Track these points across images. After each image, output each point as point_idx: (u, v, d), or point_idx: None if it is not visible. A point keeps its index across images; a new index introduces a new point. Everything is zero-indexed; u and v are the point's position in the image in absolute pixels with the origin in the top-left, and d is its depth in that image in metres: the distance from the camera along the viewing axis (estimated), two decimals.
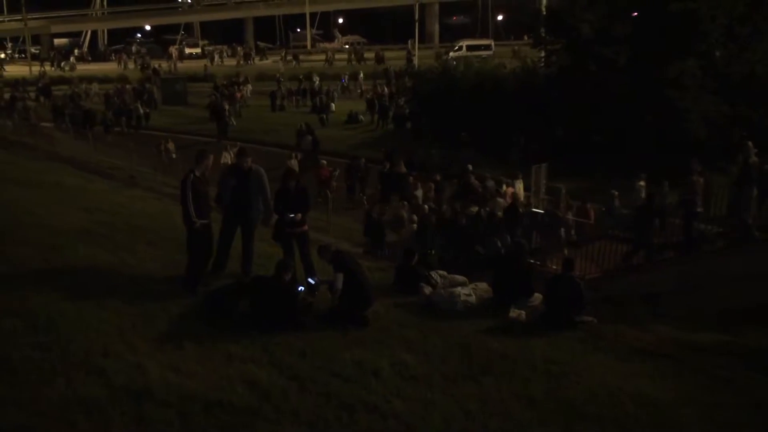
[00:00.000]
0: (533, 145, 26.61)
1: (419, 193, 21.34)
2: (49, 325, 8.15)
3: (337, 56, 72.05)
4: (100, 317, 8.71)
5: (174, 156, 26.34)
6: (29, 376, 7.13)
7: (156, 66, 63.66)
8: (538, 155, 23.55)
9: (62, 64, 73.43)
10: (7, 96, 46.04)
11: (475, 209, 18.45)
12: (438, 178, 22.44)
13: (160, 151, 27.41)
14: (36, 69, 68.65)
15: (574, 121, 26.74)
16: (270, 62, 71.44)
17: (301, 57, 72.79)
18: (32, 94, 49.17)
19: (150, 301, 9.48)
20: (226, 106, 38.70)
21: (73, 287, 9.34)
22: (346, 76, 53.38)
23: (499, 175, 22.98)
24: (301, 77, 51.66)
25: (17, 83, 54.15)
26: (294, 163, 25.13)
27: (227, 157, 23.49)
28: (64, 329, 8.14)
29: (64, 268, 9.93)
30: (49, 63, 74.91)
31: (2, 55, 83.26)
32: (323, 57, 71.39)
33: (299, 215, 10.93)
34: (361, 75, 53.38)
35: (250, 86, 50.28)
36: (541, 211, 18.77)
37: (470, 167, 22.55)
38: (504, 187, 21.78)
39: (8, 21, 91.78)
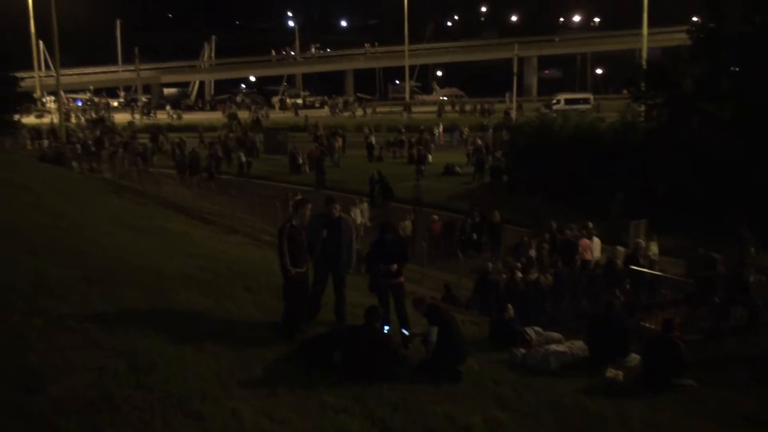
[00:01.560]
0: (632, 200, 26.13)
1: (533, 252, 20.67)
2: (151, 366, 8.36)
3: (433, 109, 72.63)
4: (199, 361, 8.90)
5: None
6: (129, 415, 7.31)
7: (258, 116, 65.57)
8: (637, 211, 23.11)
9: (171, 112, 76.32)
10: (118, 141, 48.06)
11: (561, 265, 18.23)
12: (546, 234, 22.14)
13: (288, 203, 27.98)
14: (146, 117, 71.76)
15: (676, 177, 26.16)
16: (369, 113, 72.45)
17: (401, 108, 73.46)
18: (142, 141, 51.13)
19: (247, 347, 9.64)
20: (325, 156, 39.65)
21: (175, 330, 9.59)
22: (465, 129, 53.08)
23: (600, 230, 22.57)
24: (402, 129, 52.30)
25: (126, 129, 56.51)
26: (365, 207, 25.66)
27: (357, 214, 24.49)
28: (165, 371, 8.34)
29: (167, 311, 10.21)
30: (141, 110, 78.10)
31: (115, 104, 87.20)
32: (434, 108, 71.74)
33: (395, 266, 10.97)
34: (467, 128, 53.37)
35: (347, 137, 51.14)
36: (644, 270, 18.31)
37: (554, 224, 22.40)
38: (586, 240, 21.43)
39: (122, 71, 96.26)
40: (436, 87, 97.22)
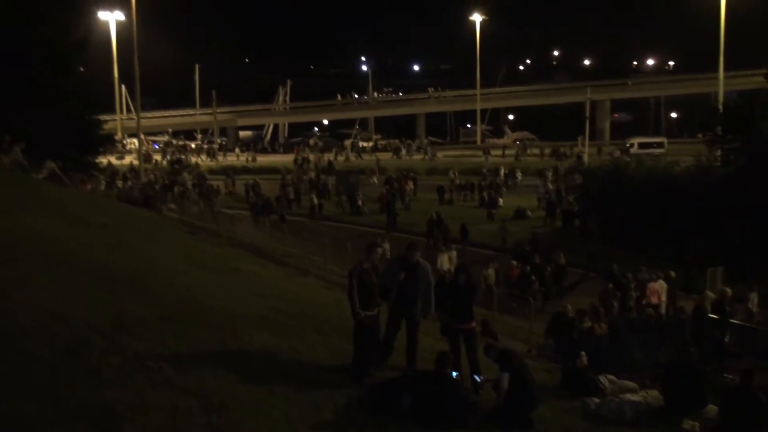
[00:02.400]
0: (708, 246, 25.52)
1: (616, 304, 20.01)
2: (222, 406, 8.45)
3: (507, 152, 72.37)
4: (269, 402, 8.97)
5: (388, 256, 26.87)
6: None
7: (331, 158, 66.44)
8: (714, 257, 22.57)
9: (246, 154, 77.77)
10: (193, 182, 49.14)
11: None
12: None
13: (382, 251, 28.02)
14: (227, 158, 73.39)
15: (754, 223, 25.48)
16: (441, 157, 72.67)
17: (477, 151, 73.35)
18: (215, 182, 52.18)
19: (317, 390, 9.68)
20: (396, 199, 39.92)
21: (247, 371, 9.69)
22: (549, 173, 52.46)
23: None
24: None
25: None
26: (453, 255, 25.45)
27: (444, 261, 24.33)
28: (236, 412, 8.42)
29: (239, 352, 10.34)
30: (207, 152, 79.92)
31: (192, 146, 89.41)
32: (512, 152, 71.52)
33: (474, 324, 10.97)
34: (548, 173, 52.43)
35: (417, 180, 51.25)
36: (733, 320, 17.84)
37: (615, 266, 22.04)
38: (653, 283, 21.03)
39: (200, 114, 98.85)
40: (508, 130, 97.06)
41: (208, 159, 75.86)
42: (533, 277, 23.78)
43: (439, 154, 73.58)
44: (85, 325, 9.29)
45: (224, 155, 78.42)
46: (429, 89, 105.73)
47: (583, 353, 12.34)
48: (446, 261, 25.31)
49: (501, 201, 41.54)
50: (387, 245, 26.08)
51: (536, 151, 71.61)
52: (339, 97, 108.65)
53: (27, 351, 8.15)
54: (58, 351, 8.43)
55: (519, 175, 52.94)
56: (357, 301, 10.33)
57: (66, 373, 8.01)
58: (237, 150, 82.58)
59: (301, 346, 11.36)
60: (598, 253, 27.31)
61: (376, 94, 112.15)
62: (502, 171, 53.22)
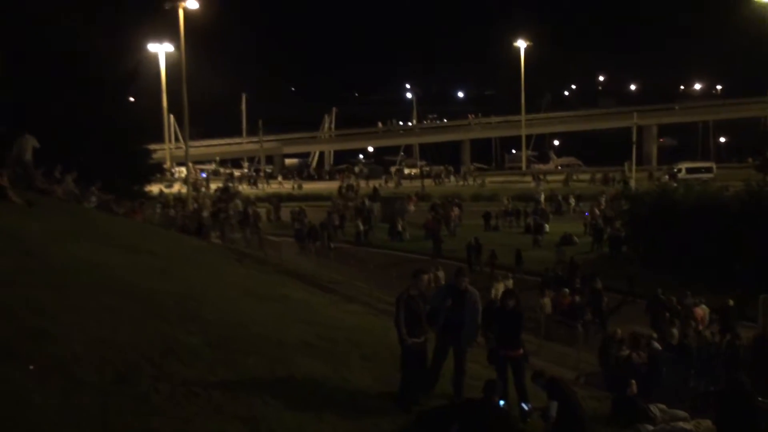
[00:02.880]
0: (760, 272, 25.02)
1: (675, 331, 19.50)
2: None
3: (551, 177, 71.92)
4: (317, 429, 8.99)
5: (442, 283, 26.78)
6: None
7: (377, 185, 66.73)
8: (764, 284, 22.12)
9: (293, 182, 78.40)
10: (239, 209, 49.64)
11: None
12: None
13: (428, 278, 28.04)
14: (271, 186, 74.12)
15: None
16: (488, 182, 72.53)
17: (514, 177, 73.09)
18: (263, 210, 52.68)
19: (364, 417, 9.67)
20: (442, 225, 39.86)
21: (294, 398, 9.73)
22: (603, 198, 50.92)
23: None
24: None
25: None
26: (510, 283, 25.05)
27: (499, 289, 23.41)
28: None
29: (287, 379, 10.38)
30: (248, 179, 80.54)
31: (238, 174, 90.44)
32: (561, 177, 70.94)
33: (521, 351, 10.89)
34: (602, 198, 51.78)
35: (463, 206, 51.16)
36: None
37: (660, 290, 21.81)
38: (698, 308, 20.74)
39: (246, 143, 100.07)
40: (553, 156, 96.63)
41: (252, 187, 76.57)
42: (585, 307, 23.60)
43: (487, 180, 73.44)
44: (135, 352, 9.42)
45: (268, 183, 79.04)
46: (469, 115, 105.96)
47: (633, 381, 12.16)
48: (501, 289, 24.41)
49: (547, 227, 41.22)
50: (441, 273, 26.05)
51: (585, 176, 71.05)
52: (379, 124, 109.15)
53: (77, 377, 8.28)
54: (108, 377, 8.55)
55: (572, 201, 52.37)
56: (404, 328, 10.33)
57: (115, 399, 8.12)
58: (279, 177, 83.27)
59: (347, 373, 11.37)
60: (638, 278, 27.12)
61: (418, 120, 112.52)
62: (559, 197, 52.92)
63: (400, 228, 42.47)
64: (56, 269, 12.29)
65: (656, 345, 17.08)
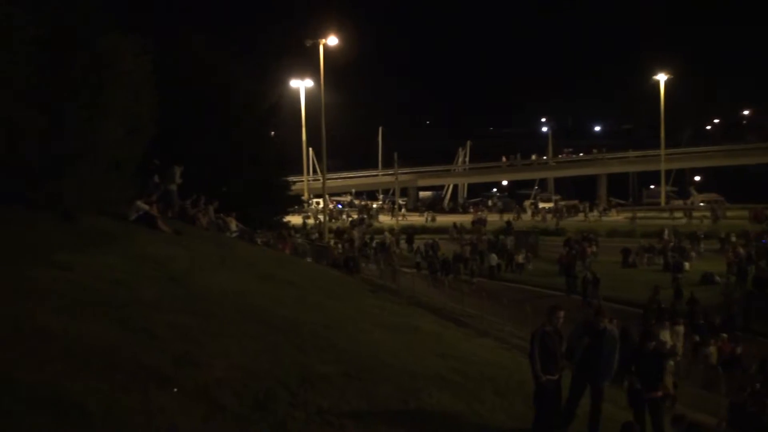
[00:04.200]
0: None
1: None
2: None
3: (695, 214, 69.09)
4: None
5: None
6: None
7: (510, 219, 66.27)
8: None
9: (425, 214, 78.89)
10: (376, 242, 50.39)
11: None
12: None
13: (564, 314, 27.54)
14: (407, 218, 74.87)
15: None
16: (622, 218, 70.67)
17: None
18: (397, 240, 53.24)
19: None
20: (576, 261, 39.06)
21: (426, 430, 9.73)
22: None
23: None
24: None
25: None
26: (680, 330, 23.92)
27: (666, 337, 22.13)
28: None
29: (419, 411, 10.38)
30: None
31: (374, 205, 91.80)
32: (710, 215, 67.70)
33: (661, 393, 10.56)
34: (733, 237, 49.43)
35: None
36: None
37: None
38: None
39: (382, 175, 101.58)
40: (694, 192, 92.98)
41: (389, 217, 77.57)
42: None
43: (621, 216, 71.54)
44: (273, 379, 9.66)
45: (404, 216, 79.77)
46: (593, 150, 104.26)
47: None
48: (668, 337, 22.36)
49: (687, 265, 39.60)
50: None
51: (733, 213, 67.99)
52: (504, 158, 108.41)
53: (218, 402, 8.57)
54: (247, 404, 8.80)
55: (733, 237, 49.38)
56: (539, 365, 10.19)
57: (254, 426, 8.35)
58: (403, 210, 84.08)
59: (480, 407, 11.28)
60: None
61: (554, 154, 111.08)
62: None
63: (520, 260, 42.05)
64: (199, 296, 12.81)
65: None
